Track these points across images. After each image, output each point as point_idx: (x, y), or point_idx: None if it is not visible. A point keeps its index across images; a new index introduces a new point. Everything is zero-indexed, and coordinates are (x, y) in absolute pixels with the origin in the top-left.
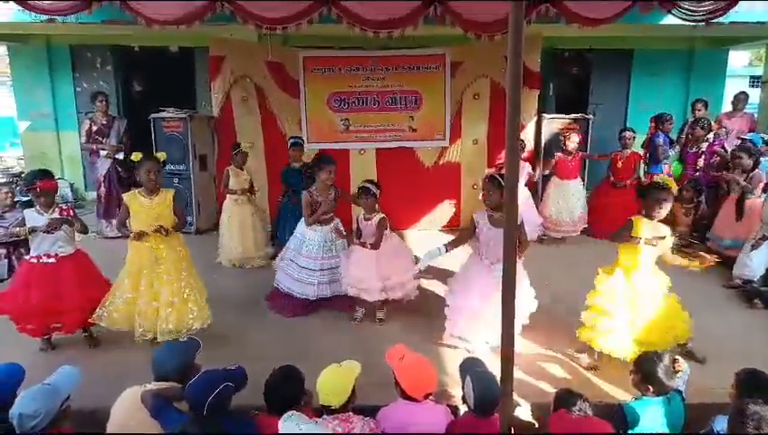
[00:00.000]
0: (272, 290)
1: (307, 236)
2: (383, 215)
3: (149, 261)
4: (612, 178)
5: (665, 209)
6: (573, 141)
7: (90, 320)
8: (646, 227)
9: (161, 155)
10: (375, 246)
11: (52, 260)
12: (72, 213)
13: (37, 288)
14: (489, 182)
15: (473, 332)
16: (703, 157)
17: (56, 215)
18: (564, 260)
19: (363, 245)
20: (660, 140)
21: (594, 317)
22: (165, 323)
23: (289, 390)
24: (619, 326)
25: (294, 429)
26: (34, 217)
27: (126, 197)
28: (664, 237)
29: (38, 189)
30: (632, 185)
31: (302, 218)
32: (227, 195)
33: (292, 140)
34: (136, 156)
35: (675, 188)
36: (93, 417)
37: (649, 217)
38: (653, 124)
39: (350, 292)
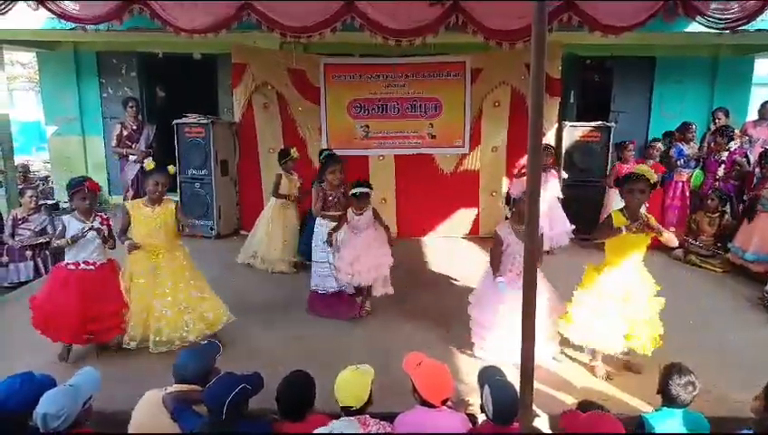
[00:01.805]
0: (310, 297)
1: (321, 233)
2: (373, 208)
3: (147, 270)
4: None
5: (640, 198)
6: (631, 150)
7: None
8: (625, 219)
9: (171, 168)
10: (388, 229)
11: (92, 268)
12: (109, 223)
13: (77, 294)
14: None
15: (504, 350)
16: (723, 166)
17: (97, 224)
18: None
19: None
20: (674, 151)
21: (581, 313)
22: (157, 334)
23: (301, 394)
24: (608, 322)
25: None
26: (75, 224)
27: (128, 205)
28: (644, 223)
29: (87, 189)
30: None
31: (317, 222)
32: (275, 198)
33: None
34: (149, 164)
35: (653, 179)
36: (114, 418)
37: (627, 207)
38: (675, 134)
39: (343, 278)
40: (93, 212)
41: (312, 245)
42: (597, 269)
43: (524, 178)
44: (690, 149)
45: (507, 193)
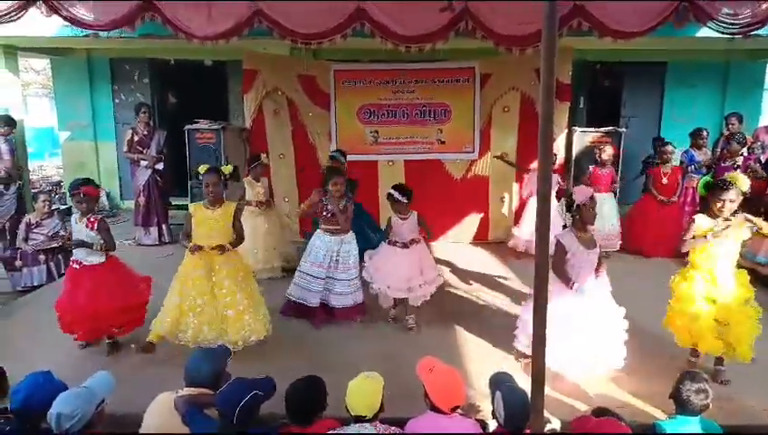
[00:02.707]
0: (284, 302)
1: (315, 244)
2: (416, 211)
3: (203, 271)
4: (659, 196)
5: (728, 206)
6: (607, 153)
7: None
8: (709, 225)
9: (227, 168)
10: (428, 238)
11: (75, 266)
12: (96, 225)
13: (81, 292)
14: (591, 200)
15: (572, 361)
16: (737, 171)
17: (84, 226)
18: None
19: (394, 244)
20: (686, 157)
21: (684, 322)
22: (221, 334)
23: (308, 399)
24: (705, 326)
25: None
26: (75, 226)
27: (191, 207)
28: (729, 225)
29: (81, 194)
30: (678, 200)
31: (315, 234)
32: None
33: (331, 155)
34: (203, 168)
35: (743, 186)
36: (124, 421)
37: (712, 215)
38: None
39: (390, 294)
40: (89, 215)
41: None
42: (684, 277)
43: (581, 186)
44: (702, 154)
45: (569, 199)
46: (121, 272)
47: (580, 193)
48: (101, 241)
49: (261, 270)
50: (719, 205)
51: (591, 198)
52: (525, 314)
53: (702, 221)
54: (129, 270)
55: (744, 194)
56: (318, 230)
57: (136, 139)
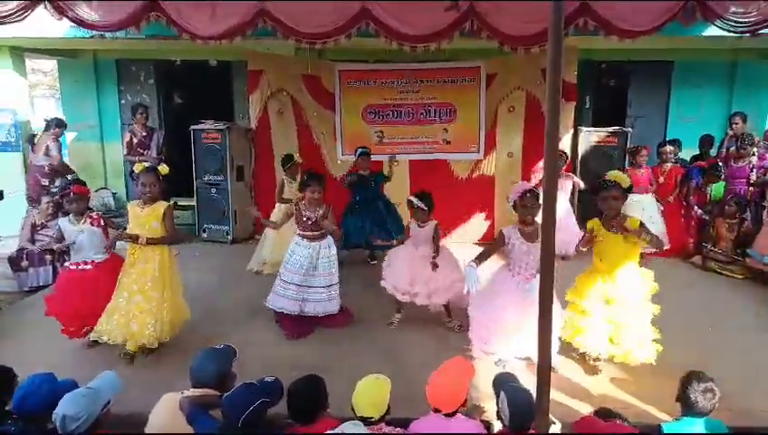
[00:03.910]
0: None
1: (294, 251)
2: (437, 222)
3: (128, 267)
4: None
5: (614, 204)
6: (643, 155)
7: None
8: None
9: (163, 169)
10: (437, 252)
11: (89, 267)
12: (100, 223)
13: (77, 294)
14: (531, 196)
15: (501, 345)
16: (754, 171)
17: (87, 225)
18: None
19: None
20: (694, 174)
21: (572, 316)
22: (132, 333)
23: (309, 398)
24: (593, 324)
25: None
26: (68, 228)
27: (129, 205)
28: (625, 219)
29: (71, 194)
30: (676, 200)
31: (293, 241)
32: (280, 204)
33: (360, 150)
34: (139, 167)
35: (625, 183)
36: (129, 421)
37: (603, 213)
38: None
39: (396, 295)
40: (86, 214)
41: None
42: (587, 273)
43: (523, 181)
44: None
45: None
46: (116, 272)
47: (515, 189)
48: (110, 237)
49: None
50: (604, 203)
51: (527, 193)
52: (474, 311)
53: (596, 223)
54: None
55: (628, 190)
56: (296, 238)
57: (135, 141)
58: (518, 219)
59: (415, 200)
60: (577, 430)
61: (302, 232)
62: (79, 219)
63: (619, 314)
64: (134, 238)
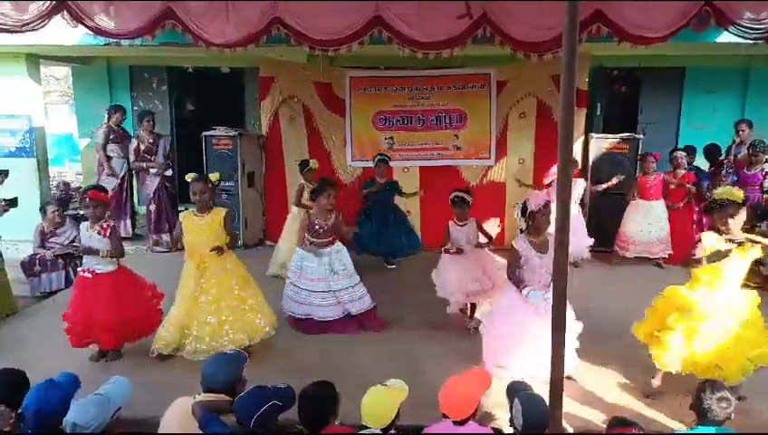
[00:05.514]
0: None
1: (305, 262)
2: (475, 219)
3: (195, 278)
4: (665, 201)
5: (735, 222)
6: (650, 162)
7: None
8: (716, 243)
9: (214, 176)
10: (490, 239)
11: (88, 275)
12: (109, 232)
13: (78, 301)
14: (545, 207)
15: (516, 362)
16: (767, 178)
17: (95, 234)
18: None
19: (447, 252)
20: (704, 180)
21: (665, 333)
22: (198, 342)
23: (318, 405)
24: (681, 343)
25: None
26: (83, 233)
27: (181, 215)
28: (737, 244)
29: (87, 199)
30: (686, 207)
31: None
32: (298, 208)
33: (378, 157)
34: (189, 176)
35: (740, 199)
36: (139, 425)
37: (717, 231)
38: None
39: (457, 301)
40: (100, 221)
41: (291, 271)
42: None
43: (543, 190)
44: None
45: (524, 205)
46: (132, 279)
47: (534, 199)
48: (108, 248)
49: None
50: (722, 223)
51: (545, 205)
52: (488, 328)
53: (710, 241)
54: (138, 277)
55: (742, 204)
56: (303, 248)
57: (142, 148)
58: (531, 231)
59: (461, 194)
60: None
61: (312, 239)
62: (93, 226)
63: (719, 335)
64: (219, 250)
